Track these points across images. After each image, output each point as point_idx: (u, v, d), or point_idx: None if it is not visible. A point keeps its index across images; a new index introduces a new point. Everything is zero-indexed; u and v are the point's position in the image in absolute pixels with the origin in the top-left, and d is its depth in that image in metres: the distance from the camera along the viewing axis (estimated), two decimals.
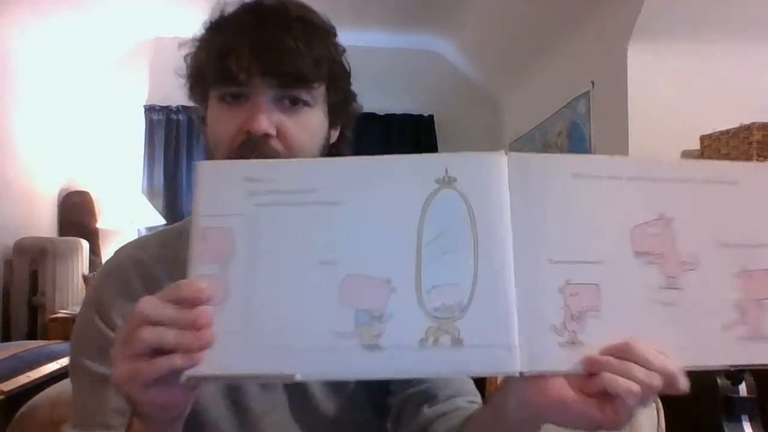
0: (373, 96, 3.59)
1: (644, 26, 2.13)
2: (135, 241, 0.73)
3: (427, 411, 0.67)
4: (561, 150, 2.80)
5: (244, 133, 0.63)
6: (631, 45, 2.18)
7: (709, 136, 2.08)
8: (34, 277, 2.46)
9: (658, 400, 1.96)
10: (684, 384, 0.46)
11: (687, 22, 2.12)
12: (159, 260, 0.66)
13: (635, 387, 0.44)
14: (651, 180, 0.52)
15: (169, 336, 0.44)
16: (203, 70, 0.66)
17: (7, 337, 2.39)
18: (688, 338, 0.49)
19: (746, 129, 1.95)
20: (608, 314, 0.48)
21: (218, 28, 0.66)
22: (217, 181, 0.51)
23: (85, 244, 2.79)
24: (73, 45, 2.88)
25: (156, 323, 0.44)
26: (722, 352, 0.50)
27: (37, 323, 2.47)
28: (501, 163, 0.50)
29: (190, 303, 0.46)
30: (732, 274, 0.51)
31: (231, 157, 0.62)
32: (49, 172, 2.96)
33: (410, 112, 3.63)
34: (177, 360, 0.44)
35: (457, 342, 0.47)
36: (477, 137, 3.74)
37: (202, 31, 0.68)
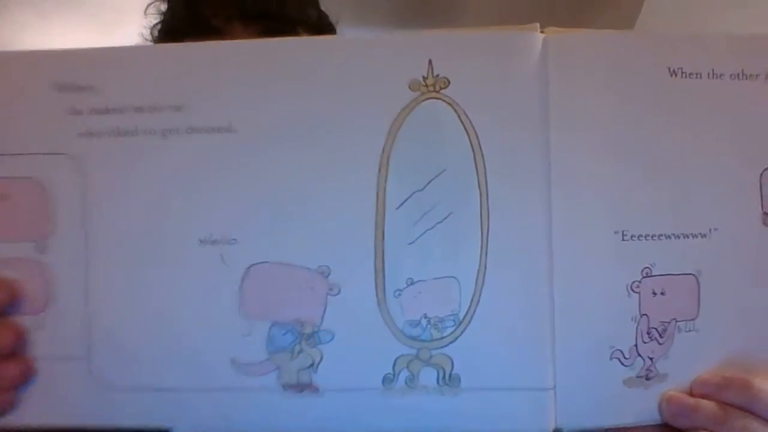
0: None
1: (644, 26, 2.13)
2: None
3: None
4: None
5: None
6: None
7: None
8: None
9: None
10: None
11: (687, 22, 2.12)
12: None
13: None
14: None
15: None
16: (170, 26, 0.55)
17: None
18: None
19: None
20: (713, 328, 0.28)
21: None
22: (11, 91, 0.29)
23: None
24: (73, 44, 2.87)
25: None
26: None
27: None
28: (532, 48, 0.29)
29: None
30: None
31: None
32: None
33: None
34: None
35: (449, 381, 0.27)
36: None
37: None
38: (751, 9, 2.09)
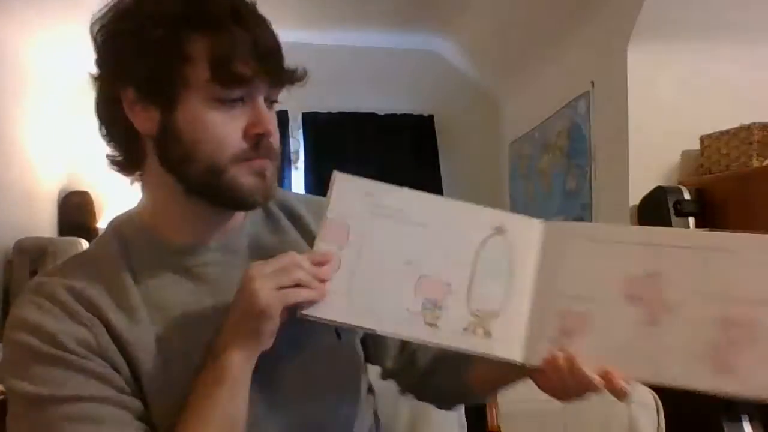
0: (373, 96, 3.60)
1: (644, 26, 2.13)
2: (53, 270, 0.70)
3: (422, 359, 0.84)
4: (561, 150, 2.80)
5: (252, 136, 0.65)
6: (631, 45, 2.18)
7: (709, 136, 2.08)
8: (34, 277, 2.45)
9: (658, 401, 1.95)
10: (622, 397, 0.63)
11: (687, 22, 2.12)
12: (88, 282, 0.66)
13: (564, 385, 0.64)
14: (650, 245, 0.67)
15: (308, 279, 0.63)
16: (184, 68, 0.63)
17: None
18: (657, 362, 0.64)
19: (746, 129, 1.95)
20: (593, 335, 0.66)
21: (205, 17, 0.63)
22: (346, 188, 0.70)
23: (85, 244, 2.79)
24: (75, 45, 2.87)
25: (301, 268, 0.63)
26: (687, 377, 0.62)
27: None
28: (539, 227, 0.71)
29: (321, 263, 0.65)
30: (713, 320, 0.62)
31: (242, 158, 0.65)
32: (49, 172, 2.95)
33: (410, 112, 3.61)
34: (312, 293, 0.63)
35: (487, 334, 0.68)
36: (477, 137, 3.73)
37: (157, 11, 0.63)
38: (751, 6, 2.10)
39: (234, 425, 0.63)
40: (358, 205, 0.69)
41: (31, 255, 2.49)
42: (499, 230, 0.70)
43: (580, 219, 2.61)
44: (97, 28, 0.66)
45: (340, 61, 3.50)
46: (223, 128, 0.64)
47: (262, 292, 0.61)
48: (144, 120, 0.65)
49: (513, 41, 3.04)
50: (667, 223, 2.01)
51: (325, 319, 0.65)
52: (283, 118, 3.38)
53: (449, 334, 0.67)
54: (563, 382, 0.63)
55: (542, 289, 0.69)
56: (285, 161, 3.42)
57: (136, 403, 0.64)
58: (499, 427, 1.40)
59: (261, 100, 0.66)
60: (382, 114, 3.56)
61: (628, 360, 0.63)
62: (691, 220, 2.01)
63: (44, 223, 2.92)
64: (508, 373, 0.73)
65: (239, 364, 0.63)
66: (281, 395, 0.71)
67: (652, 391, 1.91)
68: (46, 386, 0.61)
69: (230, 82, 0.63)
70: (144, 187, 0.72)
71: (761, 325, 0.61)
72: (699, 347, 0.62)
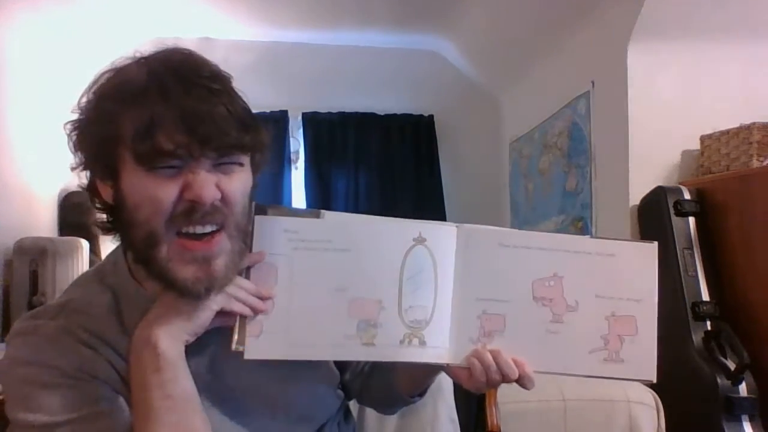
0: (373, 96, 3.60)
1: (644, 26, 2.13)
2: (45, 312, 0.71)
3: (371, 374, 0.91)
4: (561, 150, 2.80)
5: (186, 202, 0.63)
6: (631, 45, 2.18)
7: (709, 136, 2.08)
8: (34, 277, 2.45)
9: (658, 400, 1.95)
10: (530, 385, 0.72)
11: (687, 22, 2.12)
12: (83, 328, 0.69)
13: (488, 378, 0.71)
14: (551, 250, 0.75)
15: (246, 291, 0.70)
16: (117, 143, 0.64)
17: None
18: (563, 355, 0.74)
19: (746, 129, 1.95)
20: (509, 334, 0.74)
21: (131, 94, 0.63)
22: (266, 230, 0.72)
23: (85, 244, 2.78)
24: (72, 44, 2.87)
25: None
26: (586, 367, 0.74)
27: None
28: (453, 233, 0.75)
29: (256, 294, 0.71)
30: (604, 316, 0.74)
31: (170, 224, 0.63)
32: (49, 172, 2.95)
33: (410, 112, 3.61)
34: (245, 308, 0.70)
35: (422, 343, 0.72)
36: (477, 137, 3.73)
37: (100, 93, 0.66)
38: (751, 6, 2.10)
39: (187, 402, 0.66)
40: (281, 244, 0.71)
41: (31, 255, 2.48)
42: (419, 240, 0.74)
43: (581, 219, 2.61)
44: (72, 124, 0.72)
45: (341, 61, 3.50)
46: (156, 191, 0.63)
47: (244, 294, 0.70)
48: (104, 193, 0.70)
49: (513, 41, 3.04)
50: (668, 223, 2.01)
51: (269, 359, 0.69)
52: (283, 118, 3.34)
53: (386, 349, 0.71)
54: (488, 374, 0.71)
55: (461, 293, 0.74)
56: (285, 161, 3.41)
57: None
58: (499, 427, 1.40)
59: (202, 168, 0.63)
60: (382, 114, 3.56)
61: (538, 354, 0.73)
62: (691, 220, 2.01)
63: (44, 223, 2.92)
64: (429, 372, 0.82)
65: (171, 349, 0.65)
66: (242, 408, 0.75)
67: (652, 391, 1.91)
68: (62, 412, 0.64)
69: (152, 158, 0.62)
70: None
71: (639, 320, 0.74)
72: (594, 341, 0.74)
